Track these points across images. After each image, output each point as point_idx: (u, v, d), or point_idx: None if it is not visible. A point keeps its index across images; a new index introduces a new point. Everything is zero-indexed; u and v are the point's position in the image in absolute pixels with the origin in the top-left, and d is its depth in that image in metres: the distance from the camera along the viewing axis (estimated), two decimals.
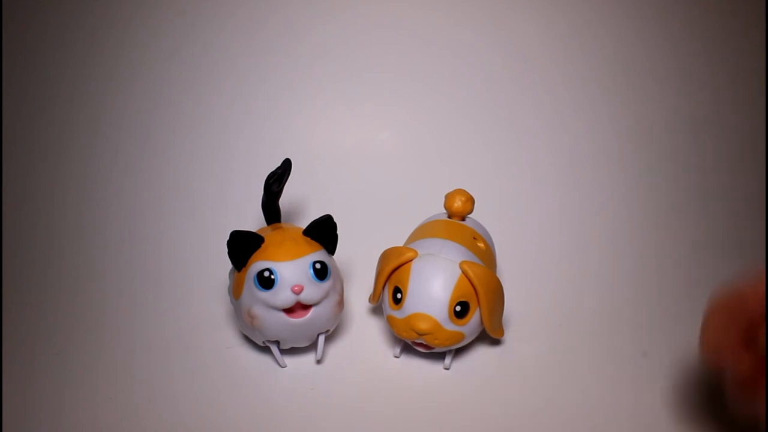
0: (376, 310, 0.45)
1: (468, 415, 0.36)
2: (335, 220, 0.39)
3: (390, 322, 0.39)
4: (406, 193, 0.55)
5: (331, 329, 0.40)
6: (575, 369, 0.39)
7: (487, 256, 0.41)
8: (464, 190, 0.43)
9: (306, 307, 0.37)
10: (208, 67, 0.55)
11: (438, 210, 0.45)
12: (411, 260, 0.38)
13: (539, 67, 0.56)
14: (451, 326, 0.37)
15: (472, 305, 0.37)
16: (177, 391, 0.38)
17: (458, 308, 0.36)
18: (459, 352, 0.40)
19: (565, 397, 0.37)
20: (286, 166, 0.42)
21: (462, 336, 0.37)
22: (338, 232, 0.40)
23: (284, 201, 0.43)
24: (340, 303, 0.39)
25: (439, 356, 0.40)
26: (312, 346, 0.40)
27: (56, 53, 0.54)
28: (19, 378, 0.39)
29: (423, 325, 0.36)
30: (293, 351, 0.40)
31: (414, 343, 0.38)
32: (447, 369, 0.39)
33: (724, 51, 0.56)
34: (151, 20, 0.55)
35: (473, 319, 0.37)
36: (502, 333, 0.40)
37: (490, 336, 0.39)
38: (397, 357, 0.40)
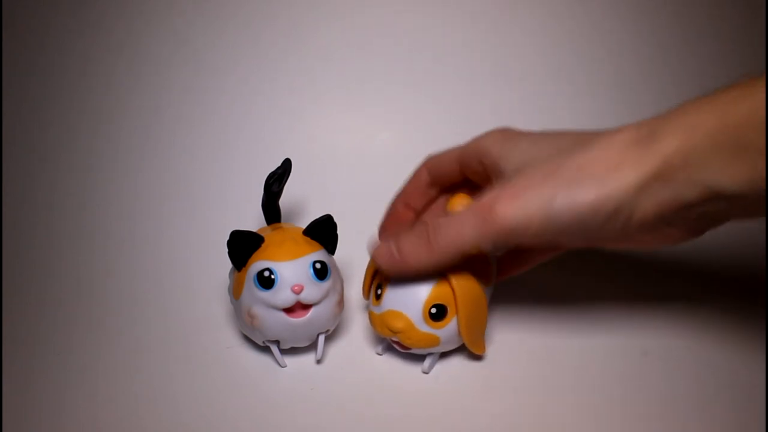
0: None
1: (469, 415, 0.36)
2: (335, 220, 0.39)
3: (369, 317, 0.38)
4: None
5: (331, 329, 0.40)
6: (575, 368, 0.39)
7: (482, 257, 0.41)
8: (467, 196, 0.42)
9: (306, 306, 0.37)
10: (208, 67, 0.55)
11: None
12: None
13: (540, 68, 0.56)
14: (424, 327, 0.36)
15: (450, 310, 0.36)
16: (177, 391, 0.38)
17: (434, 310, 0.35)
18: (458, 351, 0.40)
19: (566, 397, 0.37)
20: (286, 166, 0.42)
21: (437, 340, 0.36)
22: (338, 232, 0.40)
23: (284, 201, 0.43)
24: (340, 303, 0.39)
25: (440, 357, 0.39)
26: (312, 346, 0.40)
27: (56, 53, 0.54)
28: (19, 378, 0.39)
29: (396, 323, 0.36)
30: (293, 351, 0.40)
31: (392, 341, 0.38)
32: (426, 373, 0.38)
33: (724, 51, 0.56)
34: (152, 20, 0.55)
35: (450, 324, 0.36)
36: (482, 349, 0.39)
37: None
38: (380, 354, 0.40)
